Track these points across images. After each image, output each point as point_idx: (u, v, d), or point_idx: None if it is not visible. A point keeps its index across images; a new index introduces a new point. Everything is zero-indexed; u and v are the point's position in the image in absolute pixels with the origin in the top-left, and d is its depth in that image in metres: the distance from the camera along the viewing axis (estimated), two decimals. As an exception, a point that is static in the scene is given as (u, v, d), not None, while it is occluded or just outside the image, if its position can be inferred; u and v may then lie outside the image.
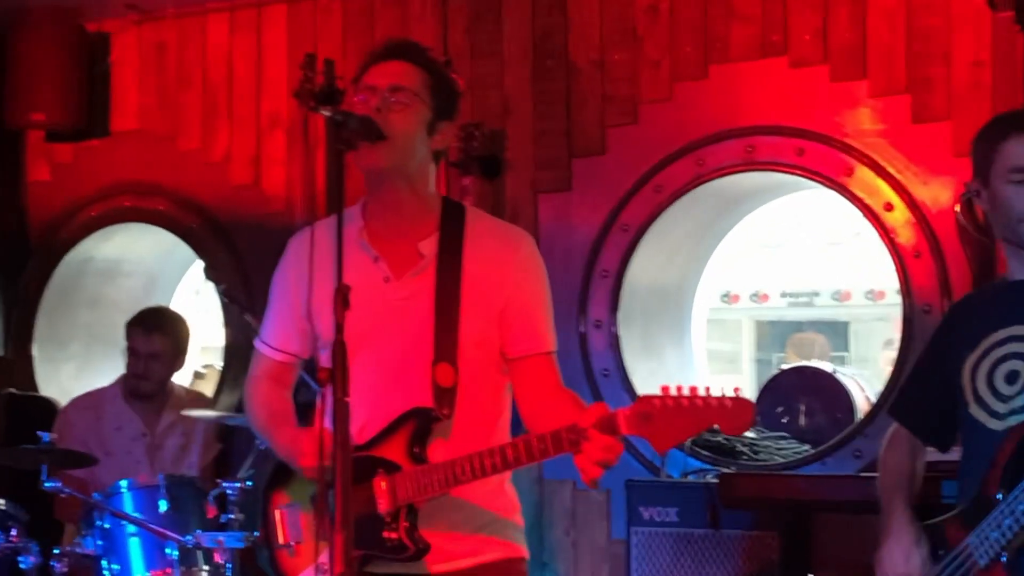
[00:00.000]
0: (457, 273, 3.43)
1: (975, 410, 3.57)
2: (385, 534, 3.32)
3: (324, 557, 3.28)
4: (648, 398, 3.05)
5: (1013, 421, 3.50)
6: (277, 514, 3.59)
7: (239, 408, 5.99)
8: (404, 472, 3.32)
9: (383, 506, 3.32)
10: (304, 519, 3.54)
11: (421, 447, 3.34)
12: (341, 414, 2.97)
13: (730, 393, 3.04)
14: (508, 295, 3.44)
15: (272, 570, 3.60)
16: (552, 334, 3.51)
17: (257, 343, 3.69)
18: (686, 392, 3.03)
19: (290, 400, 3.68)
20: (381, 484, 3.32)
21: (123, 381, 6.19)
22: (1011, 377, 3.52)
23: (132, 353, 6.13)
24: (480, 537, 3.45)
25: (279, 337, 3.63)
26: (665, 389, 3.05)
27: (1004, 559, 3.39)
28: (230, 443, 6.13)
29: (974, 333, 3.62)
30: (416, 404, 3.37)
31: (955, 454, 3.77)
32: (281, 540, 3.57)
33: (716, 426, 3.04)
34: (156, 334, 6.12)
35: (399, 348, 3.41)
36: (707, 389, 3.04)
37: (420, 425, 3.35)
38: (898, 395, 3.95)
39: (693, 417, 3.03)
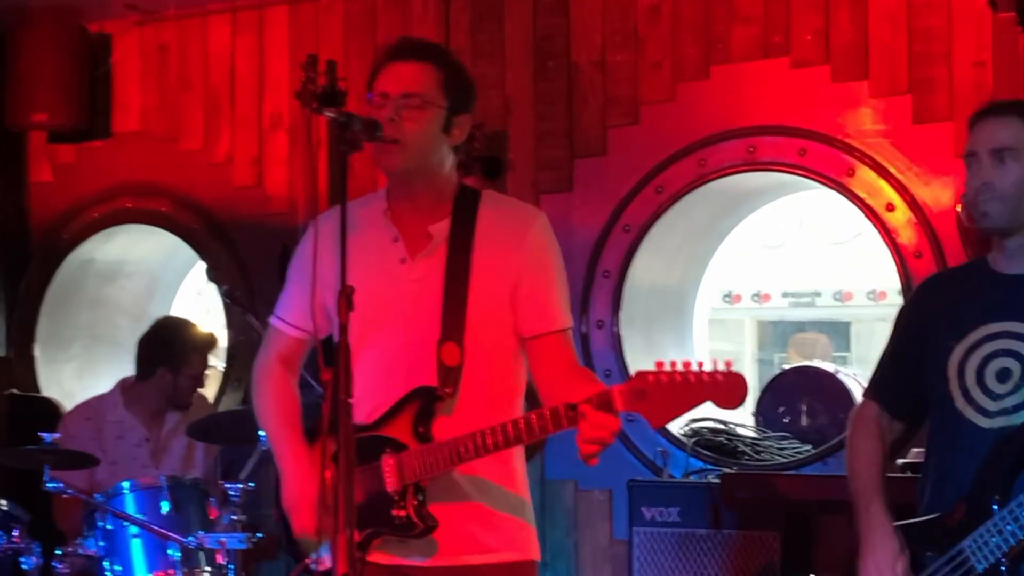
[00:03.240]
0: (467, 254, 3.46)
1: (962, 405, 3.55)
2: (394, 512, 3.35)
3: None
4: (643, 374, 3.06)
5: (1002, 421, 3.49)
6: None
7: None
8: (410, 451, 3.35)
9: (391, 484, 3.35)
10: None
11: (426, 426, 3.37)
12: (344, 416, 2.99)
13: (722, 368, 3.03)
14: (519, 275, 3.47)
15: (291, 554, 3.64)
16: (566, 312, 3.54)
17: (272, 319, 3.72)
18: (680, 367, 3.04)
19: (297, 391, 3.70)
20: (389, 463, 3.35)
21: (123, 389, 6.13)
22: (1003, 375, 3.51)
23: (196, 377, 6.02)
24: (487, 511, 3.46)
25: (297, 314, 3.64)
26: (659, 364, 3.05)
27: (1004, 568, 3.37)
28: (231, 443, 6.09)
29: (960, 322, 3.60)
30: (422, 383, 3.39)
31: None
32: None
33: (710, 401, 3.03)
34: (214, 348, 6.15)
35: (410, 329, 3.44)
36: (700, 364, 3.04)
37: (424, 404, 3.38)
38: (874, 376, 3.87)
39: (686, 392, 3.03)
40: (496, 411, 3.38)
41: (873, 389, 3.84)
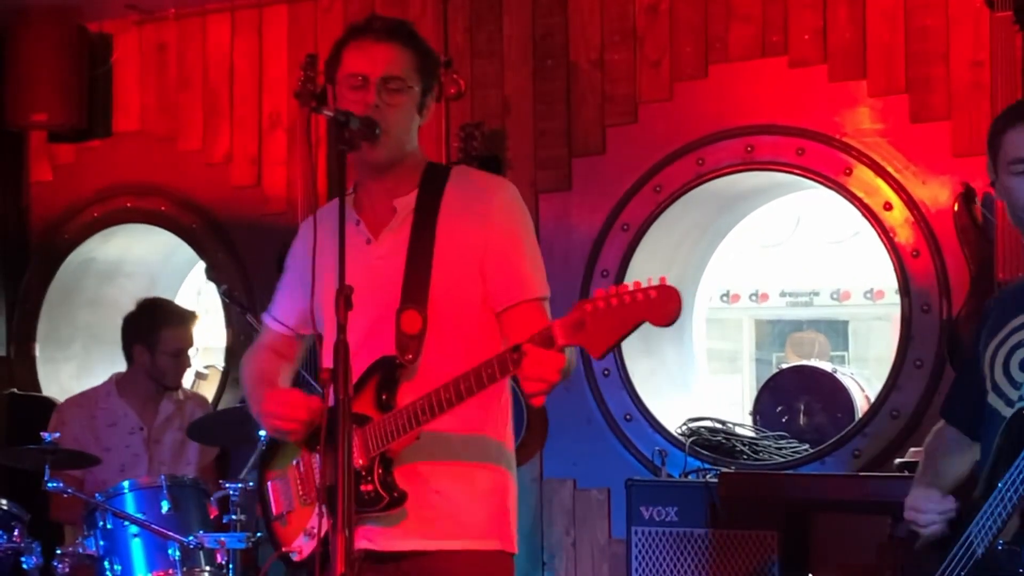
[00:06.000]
0: (432, 223, 3.44)
1: (992, 398, 3.52)
2: (362, 487, 3.31)
3: (312, 522, 3.34)
4: (580, 304, 3.04)
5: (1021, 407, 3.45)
6: (269, 487, 3.63)
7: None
8: (373, 422, 3.32)
9: (357, 460, 3.30)
10: (293, 485, 3.56)
11: (389, 394, 3.34)
12: (344, 416, 2.99)
13: (656, 283, 3.00)
14: (487, 245, 3.43)
15: (271, 545, 3.64)
16: (540, 280, 3.48)
17: (264, 315, 3.77)
18: (615, 292, 3.01)
19: (284, 369, 3.72)
20: (354, 439, 3.30)
21: (116, 380, 6.16)
22: None
23: (174, 354, 6.04)
24: (462, 464, 3.43)
25: (283, 312, 3.70)
26: (598, 292, 3.04)
27: (1000, 546, 3.36)
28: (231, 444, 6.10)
29: (999, 321, 3.58)
30: (384, 354, 3.37)
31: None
32: (274, 511, 3.61)
33: (647, 321, 2.97)
34: (190, 324, 6.15)
35: (374, 303, 3.40)
36: (635, 283, 3.00)
37: (385, 374, 3.36)
38: (947, 394, 3.88)
39: (621, 315, 2.99)
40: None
41: (946, 412, 3.80)
